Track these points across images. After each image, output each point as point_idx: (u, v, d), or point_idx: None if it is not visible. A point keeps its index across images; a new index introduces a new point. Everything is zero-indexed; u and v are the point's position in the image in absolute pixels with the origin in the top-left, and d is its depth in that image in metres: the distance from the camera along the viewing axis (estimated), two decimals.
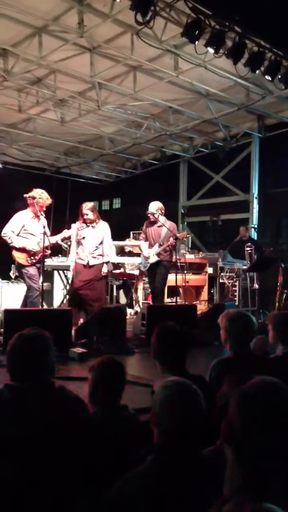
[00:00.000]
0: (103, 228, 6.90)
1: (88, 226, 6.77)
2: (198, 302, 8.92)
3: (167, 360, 2.60)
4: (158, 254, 7.27)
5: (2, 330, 5.26)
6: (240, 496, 1.14)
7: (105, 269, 6.85)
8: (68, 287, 8.85)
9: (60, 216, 7.35)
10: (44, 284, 6.85)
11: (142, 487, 1.55)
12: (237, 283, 8.76)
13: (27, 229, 6.55)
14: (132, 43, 6.93)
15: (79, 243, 6.74)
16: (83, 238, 6.70)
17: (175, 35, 6.49)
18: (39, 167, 12.64)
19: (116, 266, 9.09)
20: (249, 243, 8.85)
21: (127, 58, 7.41)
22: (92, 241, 6.72)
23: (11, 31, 6.83)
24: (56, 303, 8.52)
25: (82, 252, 6.72)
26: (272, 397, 1.22)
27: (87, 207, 6.78)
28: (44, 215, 6.69)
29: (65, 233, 6.85)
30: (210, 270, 9.45)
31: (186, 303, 8.28)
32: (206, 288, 9.41)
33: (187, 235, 8.10)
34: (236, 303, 8.34)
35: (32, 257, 6.50)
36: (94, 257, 6.73)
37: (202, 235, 11.59)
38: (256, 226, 10.85)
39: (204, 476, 1.60)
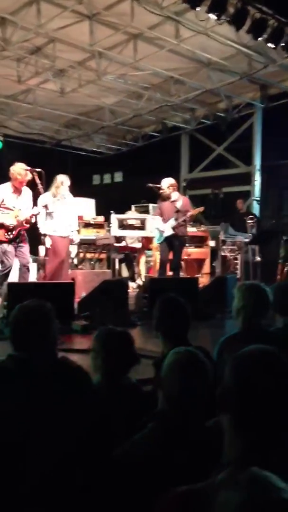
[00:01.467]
0: None
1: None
2: (200, 275, 8.92)
3: (169, 331, 2.60)
4: (173, 228, 7.32)
5: (6, 303, 5.29)
6: (236, 465, 1.14)
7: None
8: (70, 260, 8.86)
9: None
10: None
11: (143, 453, 1.57)
12: (239, 256, 8.75)
13: (5, 203, 6.48)
14: (132, 10, 6.78)
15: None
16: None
17: (176, 1, 6.34)
18: (39, 139, 12.51)
19: (118, 239, 9.07)
20: (250, 216, 8.81)
21: (127, 25, 7.26)
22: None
23: None
24: None
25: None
26: (266, 363, 1.21)
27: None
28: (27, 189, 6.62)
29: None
30: (212, 243, 9.43)
31: (188, 276, 8.28)
32: (208, 261, 9.40)
33: (200, 211, 8.17)
34: (238, 276, 8.35)
35: (9, 232, 6.44)
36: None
37: (203, 208, 11.49)
38: (258, 199, 10.78)
39: (205, 446, 1.61)
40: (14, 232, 6.45)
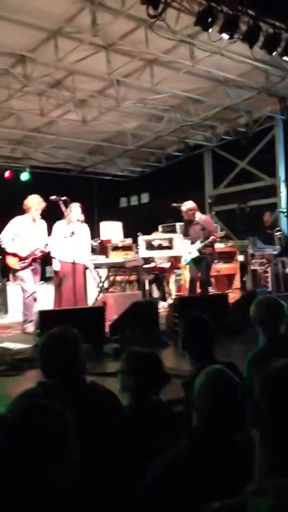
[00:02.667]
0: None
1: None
2: (230, 290, 8.88)
3: (195, 350, 2.63)
4: (199, 251, 7.46)
5: (38, 331, 5.39)
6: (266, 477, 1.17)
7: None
8: (100, 284, 8.97)
9: (88, 215, 7.46)
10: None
11: (175, 470, 1.59)
12: (268, 269, 8.68)
13: (22, 234, 6.79)
14: (146, 37, 6.94)
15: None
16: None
17: (188, 24, 6.47)
18: (64, 168, 12.79)
19: (147, 260, 9.14)
20: (278, 228, 8.77)
21: (143, 52, 7.43)
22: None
23: (27, 36, 6.94)
24: (90, 301, 8.65)
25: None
26: None
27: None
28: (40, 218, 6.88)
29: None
30: (240, 258, 9.40)
31: (218, 292, 8.26)
32: (237, 276, 9.36)
33: (222, 235, 8.44)
34: (269, 289, 8.27)
35: (22, 261, 6.75)
36: None
37: (230, 223, 11.46)
38: (285, 210, 10.70)
39: (236, 462, 1.63)
40: (27, 261, 6.76)
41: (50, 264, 7.26)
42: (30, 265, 6.83)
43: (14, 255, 6.79)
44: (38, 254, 6.84)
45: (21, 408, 1.32)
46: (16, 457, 1.21)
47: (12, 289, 9.70)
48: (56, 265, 6.89)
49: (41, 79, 7.93)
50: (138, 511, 1.62)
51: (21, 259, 6.77)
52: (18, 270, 6.84)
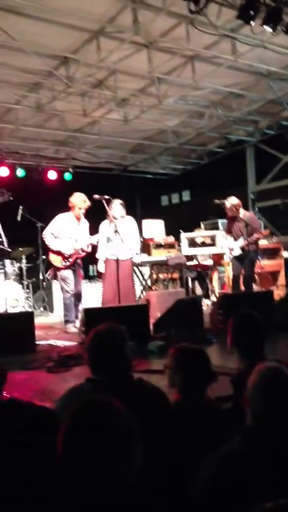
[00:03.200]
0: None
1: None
2: (275, 287, 8.73)
3: (245, 347, 2.60)
4: (242, 248, 7.36)
5: (83, 328, 5.48)
6: None
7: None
8: (144, 282, 9.02)
9: (130, 214, 7.52)
10: None
11: (229, 467, 1.58)
12: None
13: (65, 232, 6.78)
14: (188, 33, 6.90)
15: None
16: None
17: (230, 18, 6.38)
18: (106, 167, 12.91)
19: (189, 258, 9.11)
20: None
21: (184, 48, 7.39)
22: None
23: (70, 38, 7.04)
24: None
25: None
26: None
27: None
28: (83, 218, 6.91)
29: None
30: (285, 254, 9.22)
31: (263, 289, 8.14)
32: (282, 273, 9.19)
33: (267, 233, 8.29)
34: None
35: (66, 260, 6.72)
36: None
37: (274, 219, 11.28)
38: None
39: None
40: (70, 260, 6.75)
41: (94, 263, 7.33)
42: (73, 264, 6.83)
43: (58, 253, 6.80)
44: (82, 253, 6.86)
45: (83, 405, 1.29)
46: (78, 455, 1.19)
47: (57, 287, 9.89)
48: (100, 267, 6.95)
49: (83, 80, 8.03)
50: (190, 507, 1.62)
51: (65, 257, 6.77)
52: (60, 269, 6.84)
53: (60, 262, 6.78)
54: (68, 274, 6.81)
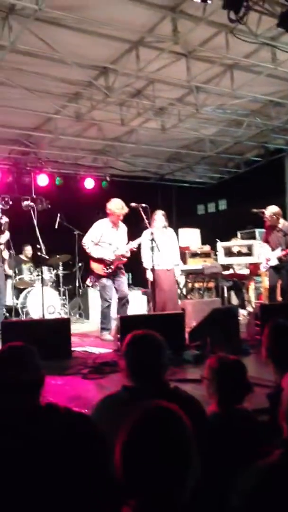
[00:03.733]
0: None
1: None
2: None
3: (281, 359, 2.55)
4: (280, 259, 7.24)
5: (119, 336, 5.49)
6: None
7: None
8: (179, 291, 8.98)
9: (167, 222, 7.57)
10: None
11: (270, 479, 1.54)
12: None
13: (104, 238, 6.77)
14: (227, 41, 6.88)
15: None
16: None
17: (270, 27, 6.33)
18: (143, 176, 12.98)
19: (225, 267, 9.03)
20: None
21: (223, 57, 7.38)
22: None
23: (110, 48, 7.14)
24: None
25: None
26: None
27: None
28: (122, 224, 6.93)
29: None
30: None
31: None
32: None
33: None
34: None
35: (108, 267, 6.69)
36: None
37: None
38: None
39: None
40: (112, 267, 6.74)
41: (134, 271, 7.32)
42: (115, 271, 6.82)
43: (99, 260, 6.79)
44: (123, 259, 6.85)
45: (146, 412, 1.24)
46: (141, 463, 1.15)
47: (93, 295, 9.97)
48: (149, 275, 6.94)
49: (122, 90, 8.12)
50: None
51: (106, 264, 6.77)
52: (101, 276, 6.84)
53: (101, 270, 6.78)
54: (107, 282, 6.79)
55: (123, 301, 6.87)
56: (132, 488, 1.17)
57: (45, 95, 8.22)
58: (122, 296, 6.88)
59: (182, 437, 1.20)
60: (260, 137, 10.98)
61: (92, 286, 9.48)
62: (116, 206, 6.81)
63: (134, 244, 6.84)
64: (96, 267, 6.82)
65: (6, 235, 7.13)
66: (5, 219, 7.00)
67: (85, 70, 7.58)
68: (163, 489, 1.14)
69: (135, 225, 7.11)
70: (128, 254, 6.85)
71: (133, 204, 6.78)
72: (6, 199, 10.54)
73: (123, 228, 7.00)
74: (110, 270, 6.74)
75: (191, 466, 1.17)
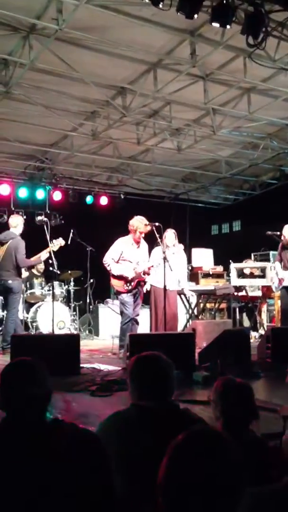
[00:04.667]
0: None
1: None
2: None
3: None
4: None
5: (128, 354, 5.45)
6: None
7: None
8: (190, 311, 8.94)
9: (180, 242, 7.55)
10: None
11: (273, 505, 1.50)
12: None
13: (125, 255, 6.78)
14: (245, 65, 6.96)
15: None
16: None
17: None
18: (158, 195, 13.04)
19: (238, 288, 8.97)
20: None
21: (240, 81, 7.45)
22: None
23: (128, 69, 7.26)
24: (180, 327, 8.64)
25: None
26: None
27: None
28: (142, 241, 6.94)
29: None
30: None
31: None
32: None
33: None
34: None
35: (128, 284, 6.69)
36: None
37: None
38: None
39: None
40: (132, 284, 6.73)
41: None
42: (135, 288, 6.82)
43: (120, 277, 6.80)
44: (143, 276, 6.84)
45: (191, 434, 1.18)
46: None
47: (103, 312, 9.96)
48: (148, 287, 6.96)
49: (139, 110, 8.22)
50: None
51: (127, 281, 6.77)
52: (122, 293, 6.83)
53: (122, 286, 6.76)
54: (128, 298, 6.79)
55: (132, 321, 6.86)
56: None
57: (62, 112, 8.36)
58: (134, 316, 6.88)
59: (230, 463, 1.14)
60: (276, 160, 11.01)
61: (105, 304, 9.51)
62: (139, 223, 6.81)
63: (154, 263, 6.86)
64: (116, 283, 6.81)
65: (45, 255, 7.24)
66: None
67: (103, 90, 7.70)
68: None
69: (148, 244, 7.13)
70: (150, 272, 6.86)
71: (146, 223, 6.81)
72: (20, 213, 10.68)
73: (144, 246, 7.00)
74: (130, 287, 6.74)
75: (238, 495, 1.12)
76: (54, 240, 7.19)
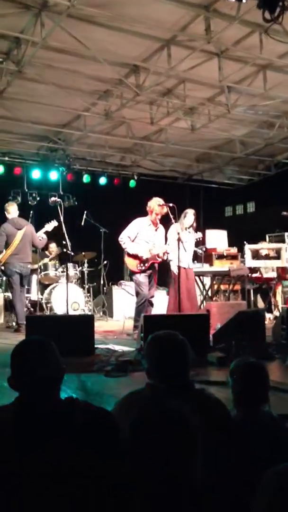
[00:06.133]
0: None
1: None
2: None
3: None
4: None
5: (142, 334, 5.45)
6: None
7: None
8: (204, 293, 8.91)
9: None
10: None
11: None
12: None
13: (142, 236, 6.75)
14: (261, 41, 6.78)
15: None
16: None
17: None
18: (171, 176, 12.92)
19: (252, 270, 8.90)
20: None
21: (256, 57, 7.27)
22: None
23: (141, 47, 7.12)
24: None
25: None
26: None
27: None
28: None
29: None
30: None
31: None
32: None
33: None
34: None
35: (142, 264, 6.68)
36: None
37: None
38: None
39: None
40: (146, 265, 6.72)
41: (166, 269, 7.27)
42: (148, 268, 6.80)
43: (135, 256, 6.78)
44: (158, 259, 6.82)
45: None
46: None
47: (117, 293, 9.97)
48: (174, 269, 6.92)
49: (152, 88, 8.09)
50: None
51: (141, 261, 6.76)
52: (136, 273, 6.83)
53: (136, 266, 6.76)
54: (143, 278, 6.78)
55: (147, 303, 6.85)
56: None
57: (75, 92, 8.26)
58: (149, 297, 6.87)
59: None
60: None
61: (118, 286, 9.52)
62: (157, 205, 6.77)
63: (165, 248, 6.82)
64: (130, 262, 6.81)
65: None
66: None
67: (116, 68, 7.58)
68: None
69: (164, 226, 7.09)
70: (165, 257, 6.83)
71: (161, 203, 6.76)
72: (34, 194, 10.66)
73: (161, 229, 6.98)
74: (143, 267, 6.74)
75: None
76: (47, 224, 7.84)
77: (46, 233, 7.85)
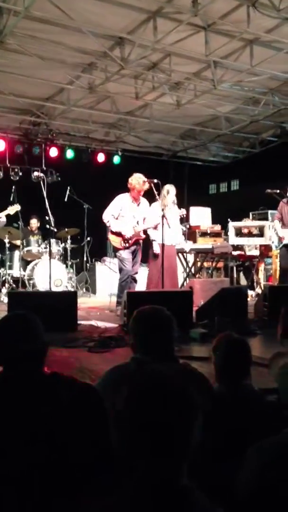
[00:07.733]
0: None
1: None
2: None
3: None
4: None
5: (125, 311, 5.47)
6: None
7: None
8: (187, 270, 8.94)
9: (178, 200, 7.45)
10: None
11: (276, 457, 1.50)
12: None
13: (125, 212, 6.76)
14: (248, 15, 6.67)
15: None
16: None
17: None
18: (156, 152, 12.81)
19: (236, 247, 8.95)
20: None
21: (243, 32, 7.16)
22: None
23: (126, 18, 6.95)
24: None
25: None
26: None
27: None
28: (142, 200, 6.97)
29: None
30: None
31: None
32: None
33: None
34: None
35: (125, 241, 6.71)
36: None
37: None
38: None
39: None
40: (130, 242, 6.73)
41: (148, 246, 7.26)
42: (132, 245, 6.83)
43: (118, 234, 6.80)
44: (142, 236, 6.86)
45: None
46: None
47: (101, 270, 9.96)
48: (156, 248, 6.91)
49: (137, 62, 7.93)
50: (235, 502, 1.55)
51: (124, 239, 6.78)
52: (119, 250, 6.86)
53: (119, 243, 6.81)
54: (126, 255, 6.82)
55: (131, 279, 6.87)
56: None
57: (58, 64, 8.07)
58: (133, 273, 6.90)
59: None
60: (277, 116, 10.74)
61: (101, 262, 9.51)
62: (137, 181, 6.75)
63: (149, 225, 6.81)
64: (114, 239, 6.85)
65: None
66: None
67: (101, 40, 7.39)
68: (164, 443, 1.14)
69: (148, 200, 7.06)
70: (142, 235, 6.86)
71: (144, 179, 6.71)
72: (16, 170, 10.49)
73: (144, 203, 6.96)
74: (127, 244, 6.76)
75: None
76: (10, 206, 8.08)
77: (8, 216, 8.00)
